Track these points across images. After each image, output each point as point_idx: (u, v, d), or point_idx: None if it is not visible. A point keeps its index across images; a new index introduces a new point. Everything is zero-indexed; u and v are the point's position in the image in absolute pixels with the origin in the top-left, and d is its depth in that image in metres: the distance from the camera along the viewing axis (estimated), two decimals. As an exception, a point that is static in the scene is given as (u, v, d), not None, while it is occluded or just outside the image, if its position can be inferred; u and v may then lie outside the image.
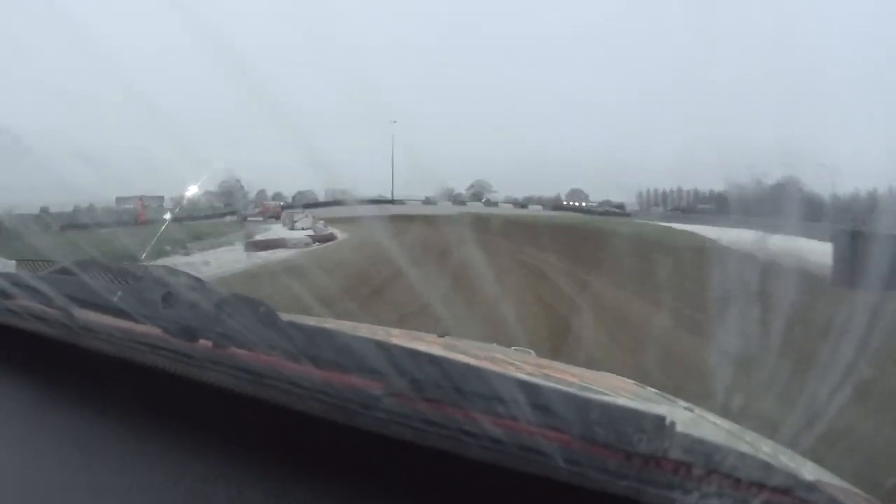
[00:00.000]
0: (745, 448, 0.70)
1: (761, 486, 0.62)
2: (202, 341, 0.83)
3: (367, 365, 0.70)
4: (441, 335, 1.55)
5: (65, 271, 1.06)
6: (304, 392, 0.73)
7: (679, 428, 0.65)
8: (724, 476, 0.62)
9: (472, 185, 58.31)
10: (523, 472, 0.65)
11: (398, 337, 1.20)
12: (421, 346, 0.81)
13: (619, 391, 1.05)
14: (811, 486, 0.66)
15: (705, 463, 0.63)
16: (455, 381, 0.67)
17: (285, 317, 0.80)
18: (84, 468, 0.76)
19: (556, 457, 0.63)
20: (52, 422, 0.87)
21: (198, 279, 0.91)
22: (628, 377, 1.50)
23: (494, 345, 1.67)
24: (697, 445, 0.64)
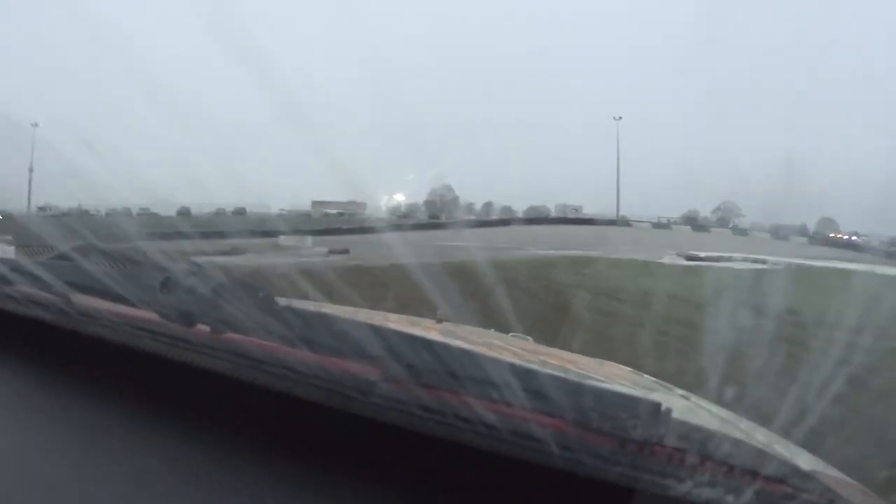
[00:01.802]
0: (739, 436, 0.70)
1: (755, 475, 0.63)
2: (200, 326, 0.83)
3: (363, 350, 0.70)
4: (439, 321, 1.55)
5: (63, 257, 1.06)
6: (301, 377, 0.73)
7: (675, 415, 0.65)
8: (717, 464, 0.63)
9: (718, 207, 46.26)
10: (517, 460, 0.65)
11: (396, 322, 1.21)
12: (418, 332, 0.81)
13: (615, 378, 1.06)
14: (806, 475, 0.66)
15: (699, 450, 0.63)
16: (450, 367, 0.67)
17: (283, 302, 0.80)
18: (82, 453, 0.76)
19: (550, 443, 0.64)
20: (51, 407, 0.88)
21: (197, 264, 0.91)
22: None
23: (492, 331, 1.67)
24: (692, 432, 0.65)
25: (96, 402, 0.86)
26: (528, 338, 1.71)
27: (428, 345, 0.70)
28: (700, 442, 0.64)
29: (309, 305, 1.06)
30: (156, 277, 0.88)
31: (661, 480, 0.62)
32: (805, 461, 0.75)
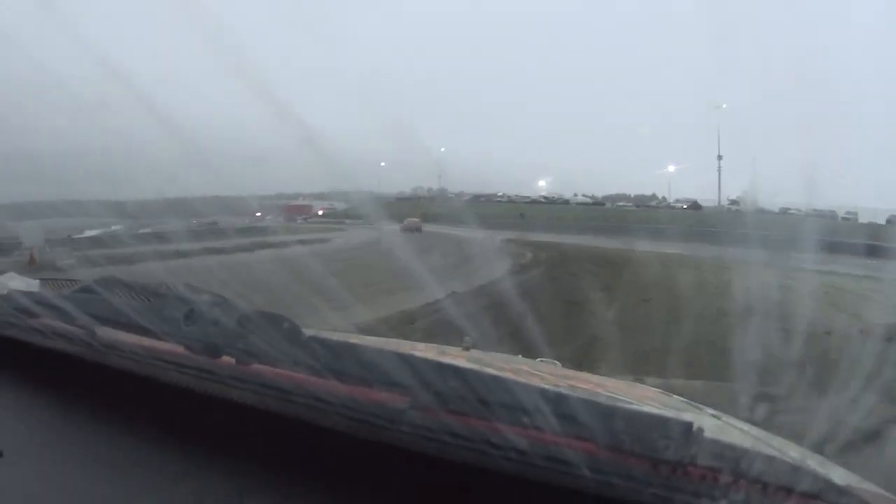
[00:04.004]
0: (772, 453, 0.70)
1: (789, 491, 0.62)
2: (225, 358, 0.83)
3: (391, 379, 0.70)
4: (466, 348, 1.55)
5: (87, 289, 1.07)
6: (329, 407, 0.73)
7: (706, 434, 0.65)
8: (751, 482, 0.62)
9: None
10: (548, 485, 0.65)
11: (423, 351, 1.21)
12: (446, 360, 0.81)
13: (645, 400, 1.05)
14: (841, 491, 0.66)
15: (733, 469, 0.62)
16: (479, 393, 0.67)
17: (309, 332, 0.80)
18: (107, 486, 0.76)
19: (582, 466, 0.63)
20: (76, 439, 0.88)
21: (221, 296, 0.92)
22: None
23: (520, 357, 1.67)
24: (725, 451, 0.64)
25: (122, 434, 0.87)
26: (557, 362, 1.71)
27: (457, 372, 0.70)
28: (733, 460, 0.63)
29: (335, 335, 1.06)
30: (180, 309, 0.89)
31: (694, 500, 0.61)
32: (840, 476, 0.74)
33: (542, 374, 1.20)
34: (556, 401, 0.66)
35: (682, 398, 1.30)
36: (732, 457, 0.64)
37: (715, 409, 1.16)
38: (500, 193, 52.92)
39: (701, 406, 1.19)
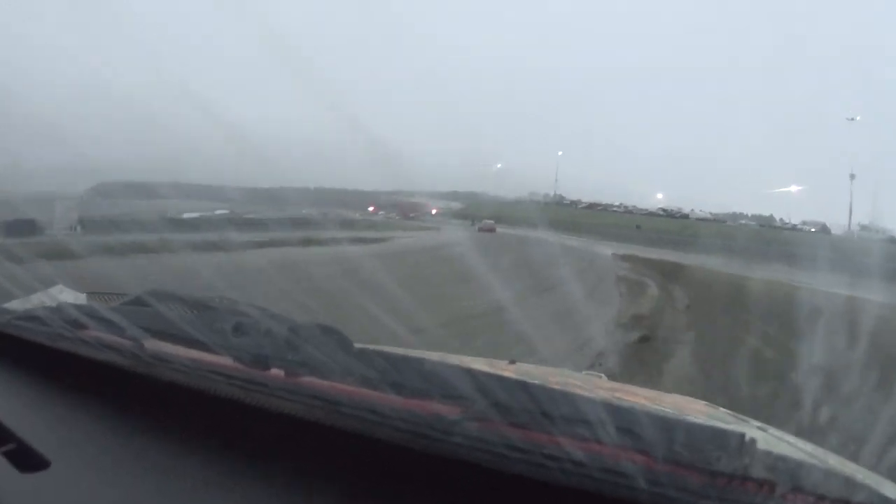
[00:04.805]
0: (823, 466, 0.70)
1: None
2: (274, 370, 0.84)
3: (449, 390, 0.71)
4: (511, 362, 1.57)
5: (137, 302, 1.09)
6: (380, 419, 0.73)
7: (759, 446, 0.65)
8: (807, 494, 0.62)
9: None
10: (603, 496, 0.66)
11: (470, 364, 1.22)
12: (498, 372, 0.82)
13: (691, 412, 1.05)
14: None
15: (789, 480, 0.63)
16: (535, 404, 0.68)
17: (358, 345, 0.82)
18: (155, 497, 0.77)
19: (639, 478, 0.64)
20: (124, 450, 0.89)
21: (269, 310, 0.93)
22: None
23: (565, 369, 1.68)
24: (780, 463, 0.64)
25: (170, 445, 0.87)
26: (602, 375, 1.71)
27: (511, 383, 0.71)
28: (788, 472, 0.63)
29: (383, 347, 1.07)
30: (229, 322, 0.90)
31: None
32: (892, 490, 0.74)
33: (589, 386, 1.20)
34: (617, 413, 0.66)
35: (727, 410, 1.30)
36: (785, 469, 0.64)
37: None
38: (617, 203, 53.03)
39: (747, 418, 1.18)
